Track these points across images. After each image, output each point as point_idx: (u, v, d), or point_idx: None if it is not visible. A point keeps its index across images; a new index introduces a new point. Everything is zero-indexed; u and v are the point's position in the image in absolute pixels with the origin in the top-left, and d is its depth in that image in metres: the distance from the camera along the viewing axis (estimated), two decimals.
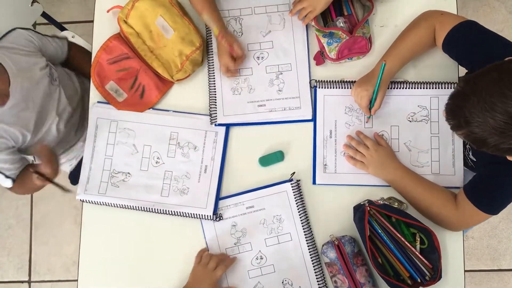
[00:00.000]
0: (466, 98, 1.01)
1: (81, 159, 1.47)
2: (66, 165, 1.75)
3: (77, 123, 1.65)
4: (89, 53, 1.52)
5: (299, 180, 1.41)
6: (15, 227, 2.42)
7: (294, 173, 1.40)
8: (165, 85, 1.46)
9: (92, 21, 1.51)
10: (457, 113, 1.04)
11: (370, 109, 1.38)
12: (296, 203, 1.39)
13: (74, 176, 1.71)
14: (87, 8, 2.50)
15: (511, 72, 0.99)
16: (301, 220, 1.39)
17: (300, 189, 1.40)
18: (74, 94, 1.61)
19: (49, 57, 1.54)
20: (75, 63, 1.67)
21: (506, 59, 1.06)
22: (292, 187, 1.39)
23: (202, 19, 1.41)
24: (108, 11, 1.48)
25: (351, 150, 1.39)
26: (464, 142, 1.39)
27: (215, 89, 1.44)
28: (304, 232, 1.38)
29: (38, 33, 1.52)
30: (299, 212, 1.39)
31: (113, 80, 1.46)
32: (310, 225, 1.40)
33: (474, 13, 2.44)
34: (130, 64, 1.45)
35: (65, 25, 2.05)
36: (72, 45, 1.67)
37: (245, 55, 1.43)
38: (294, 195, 1.39)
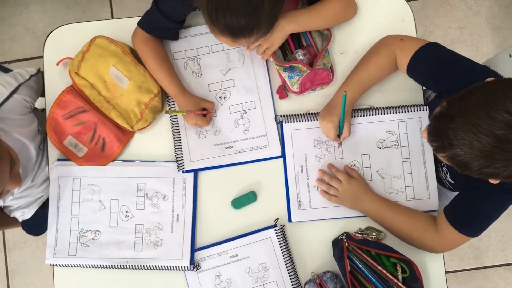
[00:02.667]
0: (451, 119, 0.98)
1: (36, 210, 1.40)
2: (18, 213, 1.65)
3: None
4: None
5: (283, 225, 1.37)
6: None
7: (277, 219, 1.37)
8: (126, 135, 1.41)
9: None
10: (440, 134, 1.00)
11: (339, 136, 1.35)
12: (281, 249, 1.36)
13: (28, 226, 1.64)
14: (40, 43, 2.41)
15: (496, 93, 0.95)
16: (286, 267, 1.35)
17: (285, 235, 1.37)
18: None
19: (36, 97, 1.45)
20: None
21: (489, 79, 1.03)
22: (276, 233, 1.36)
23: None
24: (57, 64, 1.42)
25: (325, 185, 1.37)
26: (438, 166, 1.37)
27: (179, 134, 1.40)
28: (290, 278, 1.35)
29: (24, 82, 1.39)
30: (284, 258, 1.36)
31: (71, 134, 1.40)
32: (296, 271, 1.37)
33: (435, 13, 2.44)
34: (87, 117, 1.39)
35: (19, 63, 1.96)
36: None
37: (213, 105, 1.39)
38: (279, 241, 1.35)
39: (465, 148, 0.96)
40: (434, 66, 1.24)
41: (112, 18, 2.38)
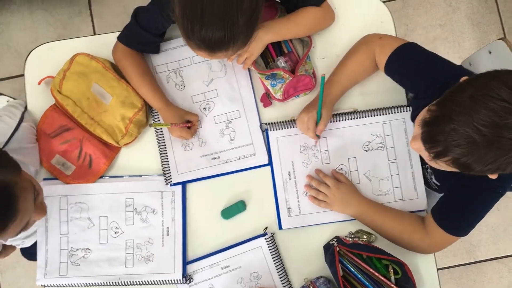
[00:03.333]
0: (449, 120, 0.96)
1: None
2: (17, 241, 1.64)
3: None
4: None
5: (273, 233, 1.37)
6: None
7: (266, 227, 1.37)
8: (112, 151, 1.40)
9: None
10: (439, 138, 0.98)
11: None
12: (273, 257, 1.35)
13: (27, 252, 1.63)
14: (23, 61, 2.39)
15: (486, 85, 0.95)
16: (279, 274, 1.35)
17: (275, 243, 1.37)
18: None
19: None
20: None
21: (463, 78, 1.03)
22: (266, 241, 1.36)
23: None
24: (39, 83, 1.41)
25: (313, 190, 1.37)
26: (423, 167, 1.38)
27: (165, 148, 1.39)
28: (283, 285, 1.35)
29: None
30: (276, 266, 1.35)
31: (59, 153, 1.39)
32: (288, 278, 1.36)
33: (415, 11, 2.46)
34: (72, 135, 1.38)
35: (2, 82, 1.94)
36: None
37: (197, 117, 1.39)
38: (270, 249, 1.35)
39: (470, 146, 0.94)
40: (411, 66, 1.24)
41: (94, 32, 2.38)
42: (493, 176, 1.03)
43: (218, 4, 1.03)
